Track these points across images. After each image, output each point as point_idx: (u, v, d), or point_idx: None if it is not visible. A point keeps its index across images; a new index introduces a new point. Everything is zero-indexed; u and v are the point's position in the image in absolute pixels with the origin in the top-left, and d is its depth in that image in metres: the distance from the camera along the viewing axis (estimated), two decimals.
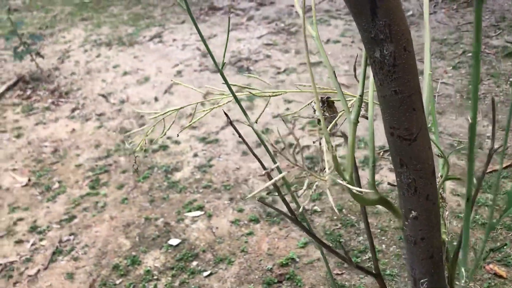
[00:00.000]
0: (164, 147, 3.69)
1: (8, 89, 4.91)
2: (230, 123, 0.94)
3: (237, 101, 0.92)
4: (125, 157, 3.66)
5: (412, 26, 5.02)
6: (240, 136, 0.98)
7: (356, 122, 0.64)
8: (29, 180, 3.52)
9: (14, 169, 3.65)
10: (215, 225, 2.91)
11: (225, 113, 0.97)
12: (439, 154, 0.75)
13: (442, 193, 0.76)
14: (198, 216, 3.00)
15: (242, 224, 2.89)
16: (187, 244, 2.80)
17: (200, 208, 3.06)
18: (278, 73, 4.46)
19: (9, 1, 6.82)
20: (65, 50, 5.65)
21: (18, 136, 4.07)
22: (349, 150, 0.64)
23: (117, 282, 2.61)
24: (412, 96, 0.60)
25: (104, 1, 7.28)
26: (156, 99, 4.31)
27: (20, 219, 3.14)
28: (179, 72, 4.67)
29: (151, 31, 5.75)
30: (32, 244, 2.92)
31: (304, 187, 0.59)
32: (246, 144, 0.92)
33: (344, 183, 0.61)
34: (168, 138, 3.77)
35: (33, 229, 3.04)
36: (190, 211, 3.05)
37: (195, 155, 3.57)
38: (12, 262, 2.79)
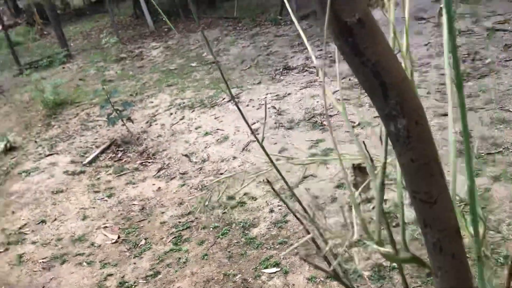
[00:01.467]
0: (242, 203, 3.82)
1: (102, 152, 5.37)
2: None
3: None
4: (205, 214, 3.82)
5: (492, 73, 4.89)
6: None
7: (381, 187, 0.70)
8: (119, 237, 3.78)
9: (105, 227, 3.95)
10: (292, 282, 2.93)
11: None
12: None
13: (485, 250, 0.78)
14: (274, 273, 3.05)
15: (318, 281, 2.88)
16: None
17: (277, 264, 3.10)
18: (352, 127, 4.50)
19: (104, 73, 7.57)
20: (153, 114, 6.11)
21: (110, 196, 4.42)
22: (376, 213, 0.70)
23: None
24: (429, 164, 0.65)
25: (188, 67, 7.83)
26: (234, 157, 4.51)
27: (110, 275, 3.36)
28: (255, 130, 4.86)
29: None
30: None
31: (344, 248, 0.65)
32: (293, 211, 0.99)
33: (373, 244, 0.66)
34: (245, 194, 3.90)
35: (122, 284, 3.24)
36: (267, 267, 3.11)
37: (271, 210, 3.65)
38: None
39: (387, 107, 0.64)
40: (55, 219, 4.21)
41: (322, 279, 2.89)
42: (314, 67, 6.32)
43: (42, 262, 3.63)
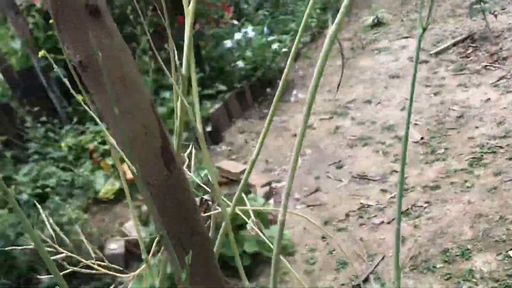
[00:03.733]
0: None
1: (454, 45, 5.04)
2: None
3: None
4: None
5: None
6: None
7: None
8: (422, 138, 3.72)
9: (416, 124, 3.93)
10: None
11: None
12: None
13: None
14: None
15: None
16: None
17: None
18: None
19: None
20: None
21: (436, 94, 4.26)
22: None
23: (438, 265, 2.60)
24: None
25: None
26: None
27: (395, 171, 3.45)
28: None
29: None
30: (391, 198, 3.21)
31: None
32: None
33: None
34: None
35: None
36: None
37: None
38: (368, 206, 3.20)
39: None
40: (379, 103, 4.44)
41: None
42: None
43: (349, 138, 4.01)
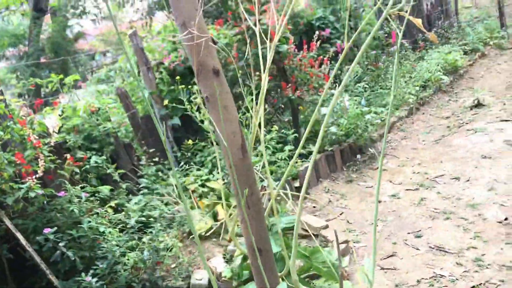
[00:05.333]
0: None
1: None
2: None
3: None
4: None
5: None
6: None
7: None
8: (506, 219, 3.73)
9: (502, 205, 3.94)
10: None
11: None
12: None
13: None
14: None
15: None
16: None
17: None
18: None
19: None
20: None
21: None
22: None
23: None
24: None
25: None
26: None
27: (473, 247, 3.49)
28: None
29: None
30: (465, 271, 3.25)
31: None
32: None
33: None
34: None
35: (477, 260, 3.34)
36: None
37: None
38: (441, 276, 3.27)
39: None
40: (467, 181, 4.49)
41: None
42: None
43: (432, 211, 4.11)
